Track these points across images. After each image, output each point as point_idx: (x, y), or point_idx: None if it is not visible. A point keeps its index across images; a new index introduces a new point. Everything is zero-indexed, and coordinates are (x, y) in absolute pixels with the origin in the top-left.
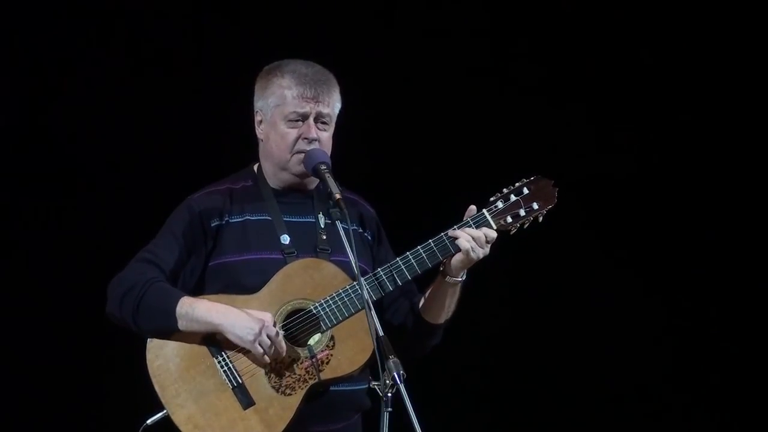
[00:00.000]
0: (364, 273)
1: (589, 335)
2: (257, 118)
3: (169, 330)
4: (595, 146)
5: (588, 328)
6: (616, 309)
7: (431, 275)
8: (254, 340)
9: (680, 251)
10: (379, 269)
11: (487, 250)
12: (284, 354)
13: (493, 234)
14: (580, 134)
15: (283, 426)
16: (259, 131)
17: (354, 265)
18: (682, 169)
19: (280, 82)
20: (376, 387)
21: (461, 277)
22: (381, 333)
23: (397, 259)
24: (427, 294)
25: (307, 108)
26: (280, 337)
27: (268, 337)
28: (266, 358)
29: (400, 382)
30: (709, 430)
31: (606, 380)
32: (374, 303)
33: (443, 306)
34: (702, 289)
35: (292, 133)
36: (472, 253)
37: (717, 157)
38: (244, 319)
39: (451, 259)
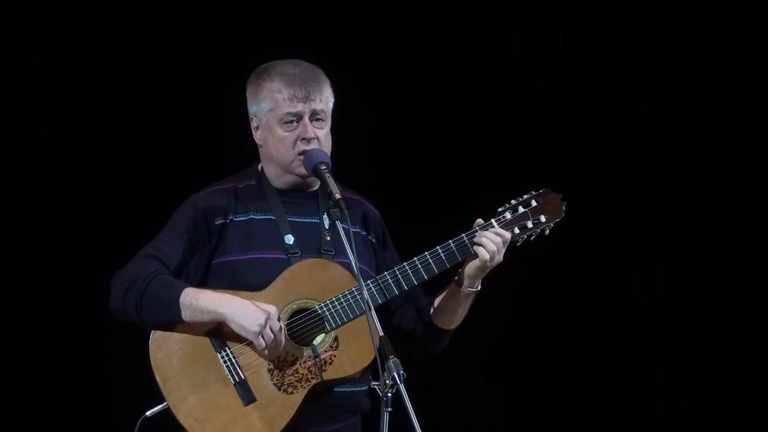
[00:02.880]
0: (366, 275)
1: (594, 338)
2: (253, 123)
3: (173, 321)
4: (604, 150)
5: (594, 331)
6: (623, 311)
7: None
8: (258, 332)
9: (690, 254)
10: (386, 273)
11: (501, 256)
12: (282, 349)
13: (508, 235)
14: (588, 139)
15: (283, 424)
16: (257, 136)
17: (354, 265)
18: (690, 173)
19: (270, 86)
20: (376, 387)
21: (477, 287)
22: (381, 333)
23: (404, 263)
24: (439, 300)
25: (300, 107)
26: (283, 332)
27: (272, 330)
28: (267, 351)
29: (400, 382)
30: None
31: (611, 381)
32: (380, 307)
33: (455, 313)
34: (712, 292)
35: (290, 135)
36: (491, 261)
37: (729, 160)
38: (249, 309)
39: (465, 269)
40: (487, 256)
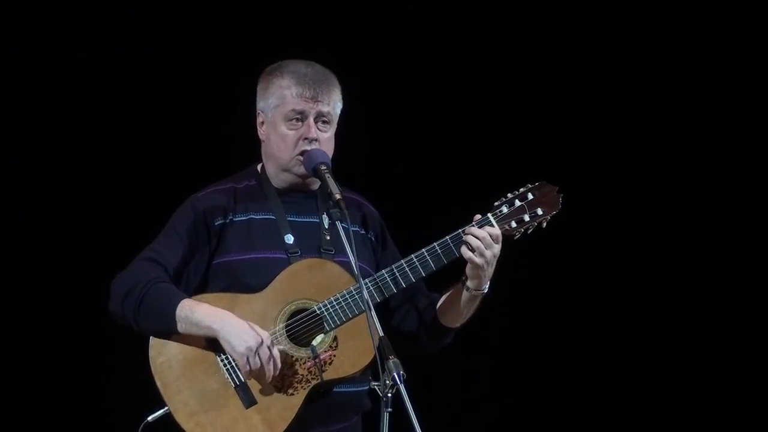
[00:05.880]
0: (366, 274)
1: (590, 336)
2: (259, 119)
3: (169, 331)
4: (597, 148)
5: (589, 329)
6: (616, 308)
7: (446, 276)
8: (245, 354)
9: (681, 251)
10: (383, 271)
11: (496, 251)
12: (270, 378)
13: (497, 231)
14: (581, 136)
15: (284, 426)
16: (261, 132)
17: (354, 264)
18: (682, 170)
19: (280, 82)
20: (376, 387)
21: (484, 289)
22: (381, 333)
23: (402, 261)
24: (445, 298)
25: (306, 107)
26: (273, 362)
27: (260, 358)
28: (251, 375)
29: (400, 383)
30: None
31: (607, 380)
32: (383, 303)
33: (461, 313)
34: (702, 288)
35: (293, 134)
36: (478, 258)
37: (718, 158)
38: (241, 329)
39: (466, 269)
40: (468, 254)
